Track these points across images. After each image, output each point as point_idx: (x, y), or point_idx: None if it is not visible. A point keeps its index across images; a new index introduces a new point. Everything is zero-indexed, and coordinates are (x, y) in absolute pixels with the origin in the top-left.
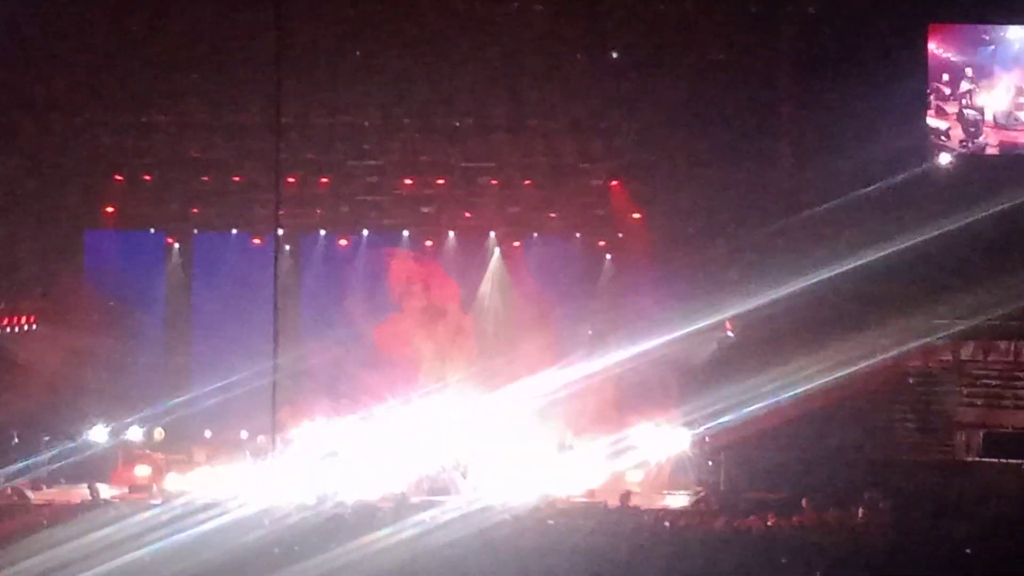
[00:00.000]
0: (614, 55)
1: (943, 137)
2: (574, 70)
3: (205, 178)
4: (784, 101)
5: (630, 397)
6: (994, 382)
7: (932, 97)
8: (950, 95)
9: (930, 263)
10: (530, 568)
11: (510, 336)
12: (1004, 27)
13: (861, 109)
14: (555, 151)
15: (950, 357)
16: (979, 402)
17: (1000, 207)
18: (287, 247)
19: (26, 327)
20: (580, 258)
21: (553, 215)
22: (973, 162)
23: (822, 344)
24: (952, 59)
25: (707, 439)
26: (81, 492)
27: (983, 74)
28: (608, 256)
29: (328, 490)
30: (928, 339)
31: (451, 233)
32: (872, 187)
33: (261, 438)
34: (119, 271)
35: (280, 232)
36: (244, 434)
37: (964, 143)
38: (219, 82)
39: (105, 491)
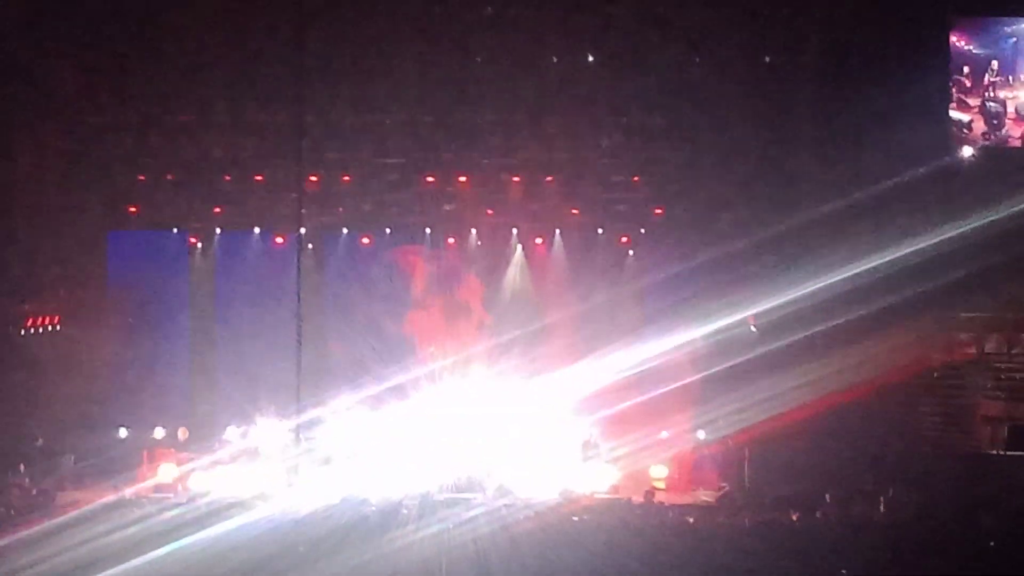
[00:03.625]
0: (636, 49)
1: (965, 130)
2: (595, 66)
3: (228, 177)
4: (806, 95)
5: (654, 393)
6: (1019, 375)
7: (954, 90)
8: (972, 88)
9: (954, 256)
10: (555, 564)
11: (532, 333)
12: None
13: (884, 103)
14: (577, 147)
15: (975, 350)
16: (1004, 395)
17: (1023, 199)
18: (310, 245)
19: (50, 328)
20: (603, 254)
21: (575, 211)
22: (995, 155)
23: (846, 338)
24: (974, 52)
25: (731, 435)
26: (106, 492)
27: (1005, 67)
28: (631, 252)
29: (353, 488)
30: (953, 333)
31: (473, 230)
32: (895, 180)
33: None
34: (143, 271)
35: (303, 230)
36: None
37: (986, 136)
38: (241, 81)
39: (130, 491)
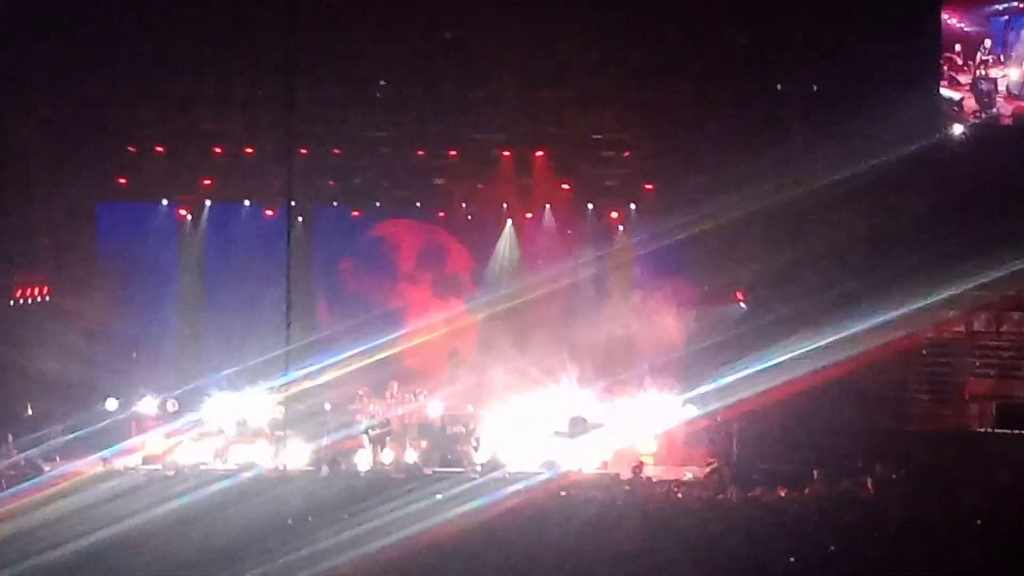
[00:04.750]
0: (627, 24)
1: (956, 108)
2: (586, 40)
3: (217, 149)
4: (797, 72)
5: (642, 367)
6: (1007, 353)
7: (945, 68)
8: (963, 66)
9: (943, 233)
10: (542, 539)
11: (522, 307)
12: None
13: (874, 80)
14: (567, 122)
15: (963, 328)
16: (992, 373)
17: (1013, 177)
18: (299, 218)
19: (39, 299)
20: (592, 229)
21: (566, 186)
22: (986, 133)
23: (835, 315)
24: (965, 30)
25: (719, 411)
26: (94, 463)
27: (997, 45)
28: (620, 228)
29: (341, 460)
30: (941, 310)
31: (463, 204)
32: (885, 158)
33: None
34: (132, 243)
35: (292, 203)
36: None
37: (977, 114)
38: (231, 53)
39: (118, 462)
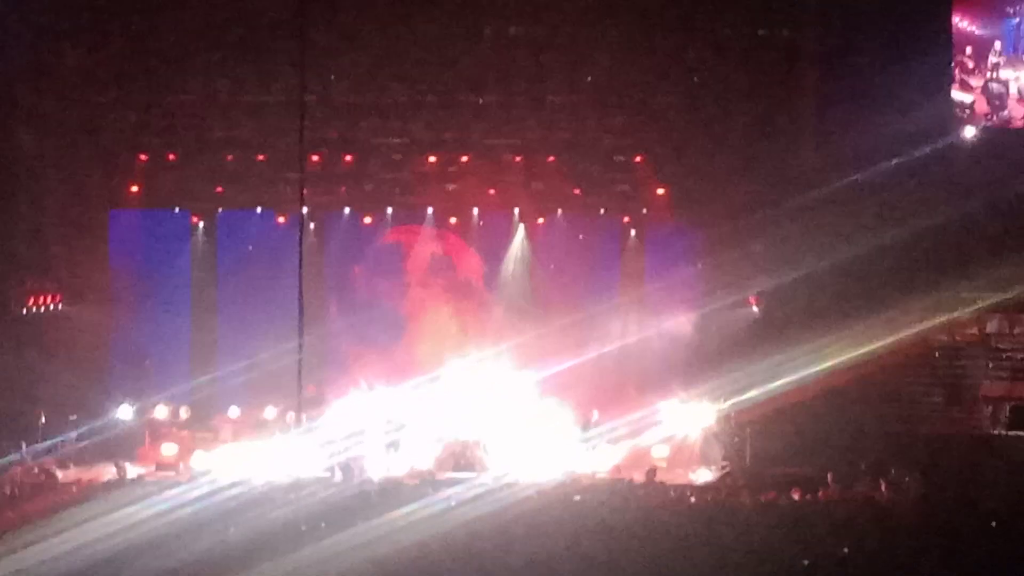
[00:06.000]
0: (638, 28)
1: (967, 111)
2: (597, 44)
3: (230, 157)
4: (809, 75)
5: (655, 373)
6: (1020, 355)
7: (956, 71)
8: (975, 68)
9: (955, 236)
10: (556, 544)
11: (534, 312)
12: None
13: (886, 83)
14: (579, 127)
15: (976, 331)
16: (1005, 375)
17: None
18: (311, 225)
19: (52, 306)
20: (604, 234)
21: (577, 191)
22: (998, 135)
23: (847, 318)
24: (976, 32)
25: (732, 415)
26: (108, 470)
27: (1008, 47)
28: (632, 232)
29: (354, 466)
30: (954, 313)
31: (475, 210)
32: (897, 160)
33: (290, 415)
34: (144, 250)
35: (305, 210)
36: (271, 412)
37: (989, 116)
38: (243, 60)
39: (132, 469)
